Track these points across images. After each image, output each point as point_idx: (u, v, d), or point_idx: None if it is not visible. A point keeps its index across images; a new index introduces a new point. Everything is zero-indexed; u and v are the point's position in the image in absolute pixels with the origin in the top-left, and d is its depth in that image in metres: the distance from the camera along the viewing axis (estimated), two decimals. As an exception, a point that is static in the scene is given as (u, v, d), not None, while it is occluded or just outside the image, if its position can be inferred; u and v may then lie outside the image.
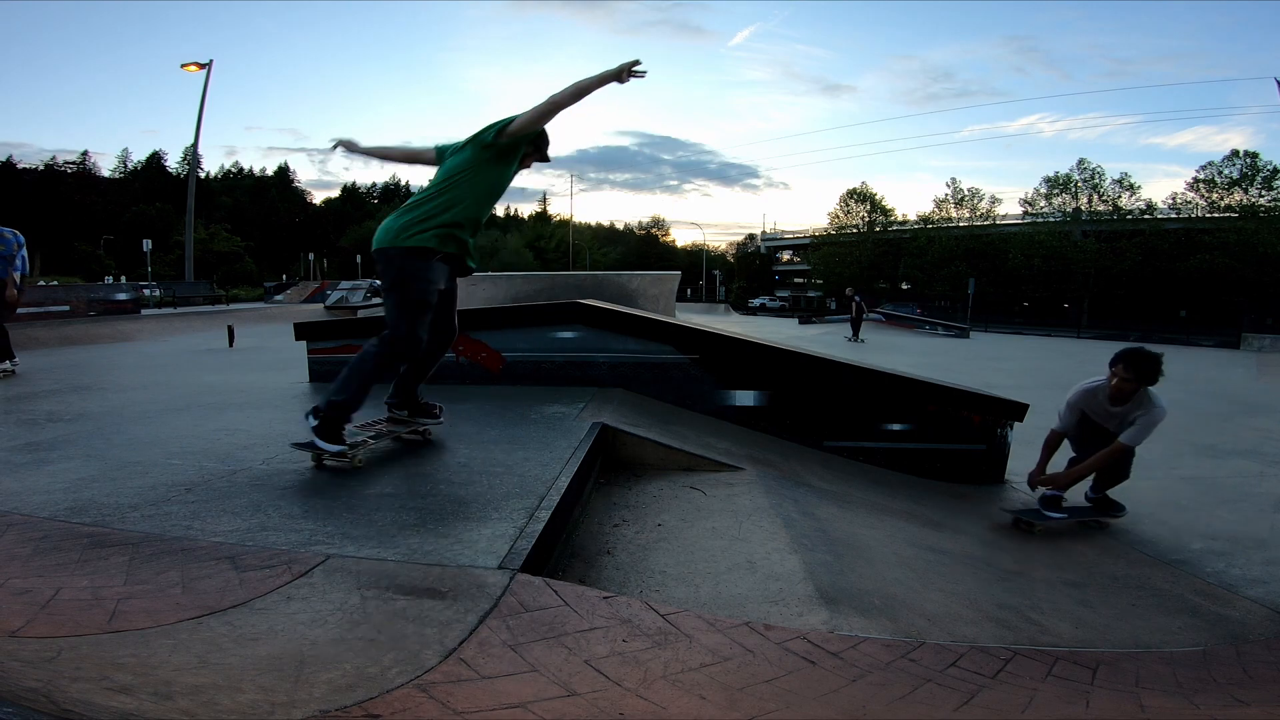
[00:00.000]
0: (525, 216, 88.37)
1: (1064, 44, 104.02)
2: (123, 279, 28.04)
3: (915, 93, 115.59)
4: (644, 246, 79.44)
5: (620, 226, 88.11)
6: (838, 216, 62.95)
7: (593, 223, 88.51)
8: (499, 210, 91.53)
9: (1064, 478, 4.23)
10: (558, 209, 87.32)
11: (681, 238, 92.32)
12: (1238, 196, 43.94)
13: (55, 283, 22.93)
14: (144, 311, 17.34)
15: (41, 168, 33.30)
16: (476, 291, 12.74)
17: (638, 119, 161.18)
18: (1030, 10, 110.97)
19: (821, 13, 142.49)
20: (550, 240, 72.09)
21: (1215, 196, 44.98)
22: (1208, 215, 44.54)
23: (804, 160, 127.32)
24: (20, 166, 31.95)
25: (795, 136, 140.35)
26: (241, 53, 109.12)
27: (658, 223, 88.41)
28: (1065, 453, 4.40)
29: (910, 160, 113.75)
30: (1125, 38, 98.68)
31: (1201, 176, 45.94)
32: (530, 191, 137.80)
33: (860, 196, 61.11)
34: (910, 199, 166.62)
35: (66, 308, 14.48)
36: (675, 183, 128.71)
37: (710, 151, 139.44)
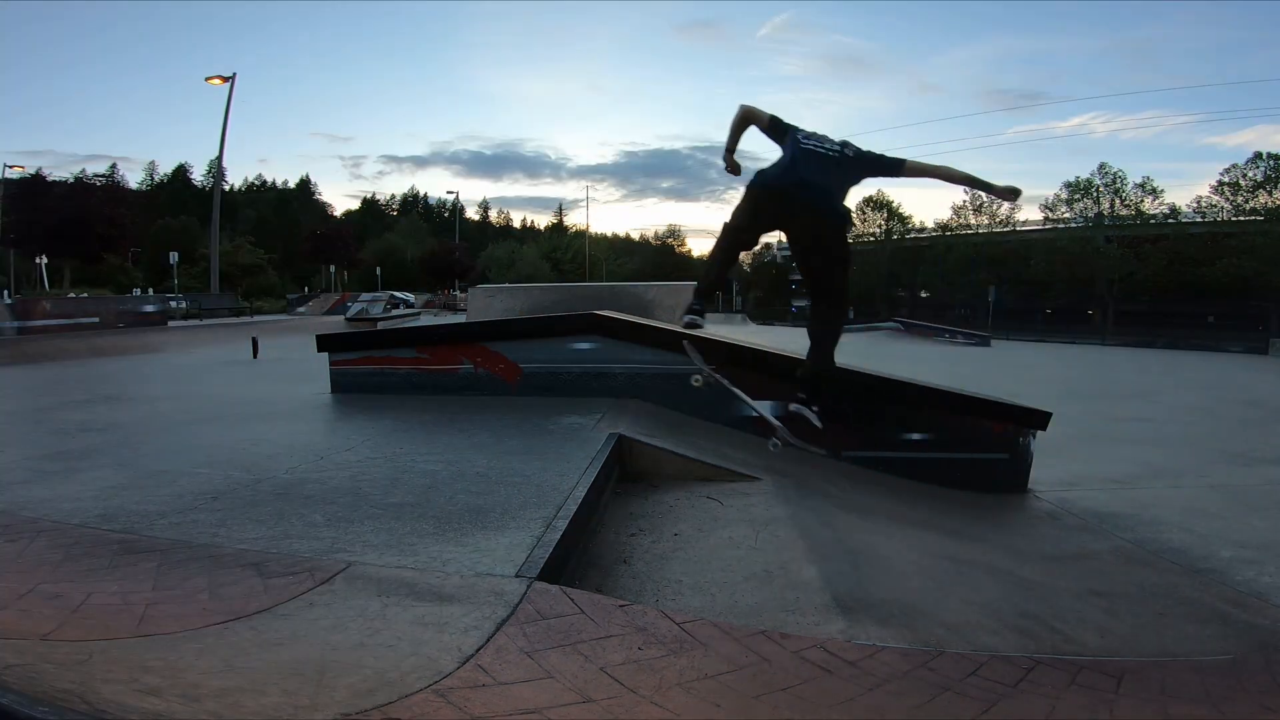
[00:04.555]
0: (542, 228, 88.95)
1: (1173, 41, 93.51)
2: (150, 291, 28.71)
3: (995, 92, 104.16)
4: (660, 257, 79.39)
5: (636, 237, 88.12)
6: (854, 225, 62.61)
7: (609, 233, 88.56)
8: (515, 222, 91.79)
9: None
10: (574, 220, 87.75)
11: (698, 248, 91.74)
12: (1263, 199, 42.95)
13: (85, 295, 23.49)
14: (171, 323, 17.68)
15: (71, 180, 34.27)
16: (494, 303, 12.84)
17: (691, 123, 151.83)
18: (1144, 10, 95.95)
19: (870, 11, 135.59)
20: (567, 252, 72.39)
21: (1240, 199, 44.03)
22: (1233, 219, 43.56)
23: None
24: (50, 179, 32.91)
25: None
26: (269, 60, 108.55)
27: (673, 233, 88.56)
28: None
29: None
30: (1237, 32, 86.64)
31: (1225, 179, 45.02)
32: (548, 200, 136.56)
33: (877, 204, 60.71)
34: (929, 206, 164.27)
35: (96, 319, 14.81)
36: (719, 188, 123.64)
37: (759, 159, 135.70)
